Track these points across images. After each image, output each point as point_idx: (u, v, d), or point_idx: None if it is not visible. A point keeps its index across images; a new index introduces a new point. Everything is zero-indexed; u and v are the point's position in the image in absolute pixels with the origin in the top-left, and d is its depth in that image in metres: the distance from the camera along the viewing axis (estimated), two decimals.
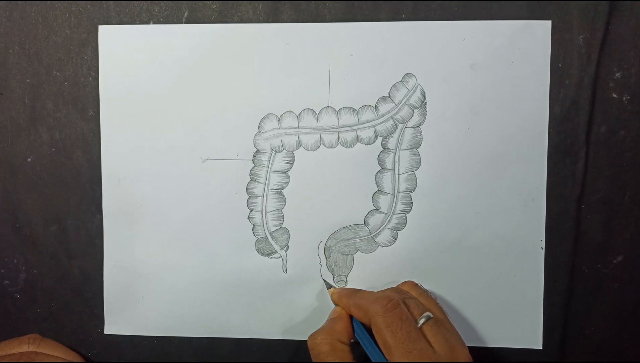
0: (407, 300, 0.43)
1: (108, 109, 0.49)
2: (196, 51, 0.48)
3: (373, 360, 0.42)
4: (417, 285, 0.47)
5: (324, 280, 0.49)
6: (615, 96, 0.47)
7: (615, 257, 0.48)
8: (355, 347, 0.44)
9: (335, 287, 0.49)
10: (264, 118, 0.49)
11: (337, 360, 0.42)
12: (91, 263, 0.50)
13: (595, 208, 0.48)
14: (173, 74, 0.49)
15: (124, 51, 0.49)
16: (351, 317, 0.45)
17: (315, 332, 0.44)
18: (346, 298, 0.46)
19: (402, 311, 0.41)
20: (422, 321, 0.41)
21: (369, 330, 0.43)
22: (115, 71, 0.49)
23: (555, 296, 0.48)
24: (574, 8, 0.47)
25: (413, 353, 0.39)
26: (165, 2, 0.48)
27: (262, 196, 0.49)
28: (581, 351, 0.49)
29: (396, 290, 0.46)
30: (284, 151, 0.49)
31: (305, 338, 0.44)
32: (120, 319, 0.50)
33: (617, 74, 0.47)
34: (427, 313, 0.42)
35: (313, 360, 0.43)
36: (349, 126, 0.48)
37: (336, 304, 0.47)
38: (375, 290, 0.48)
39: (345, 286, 0.49)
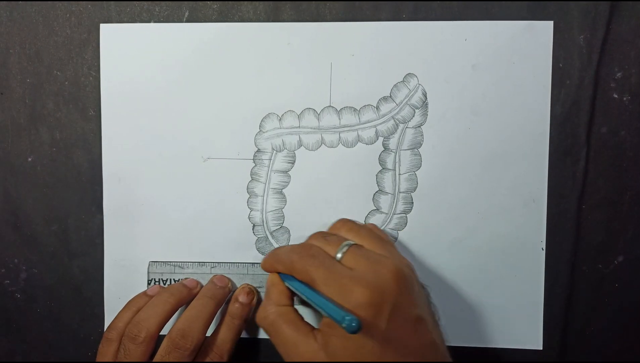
0: (327, 237, 0.43)
1: (109, 107, 0.49)
2: (198, 50, 0.48)
3: (313, 302, 0.40)
4: (347, 221, 0.46)
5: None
6: (616, 96, 0.47)
7: (616, 257, 0.48)
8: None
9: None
10: (265, 118, 0.49)
11: (287, 323, 0.41)
12: (91, 263, 0.50)
13: (596, 208, 0.48)
14: (174, 73, 0.49)
15: (126, 50, 0.49)
16: (284, 279, 0.45)
17: (257, 311, 0.44)
18: (269, 259, 0.46)
19: (315, 250, 0.42)
20: (342, 251, 0.41)
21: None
22: (117, 69, 0.49)
23: (555, 297, 0.48)
24: (574, 8, 0.47)
25: (330, 278, 0.39)
26: (166, 2, 0.48)
27: (263, 196, 0.49)
28: (581, 351, 0.49)
29: (318, 233, 0.45)
30: (285, 150, 0.49)
31: None
32: None
33: (618, 74, 0.47)
34: (347, 242, 0.42)
35: (271, 338, 0.42)
36: (350, 126, 0.48)
37: (265, 269, 0.46)
38: None
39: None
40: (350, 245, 0.41)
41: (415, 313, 0.39)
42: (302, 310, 0.47)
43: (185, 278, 0.50)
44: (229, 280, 0.49)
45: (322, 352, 0.39)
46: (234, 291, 0.49)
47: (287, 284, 0.44)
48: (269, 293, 0.44)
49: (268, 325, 0.42)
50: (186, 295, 0.47)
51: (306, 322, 0.42)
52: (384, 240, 0.44)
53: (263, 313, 0.43)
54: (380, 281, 0.38)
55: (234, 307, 0.48)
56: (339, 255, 0.41)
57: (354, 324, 0.35)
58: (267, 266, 0.46)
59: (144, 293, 0.49)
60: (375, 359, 0.37)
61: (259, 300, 0.50)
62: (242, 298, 0.48)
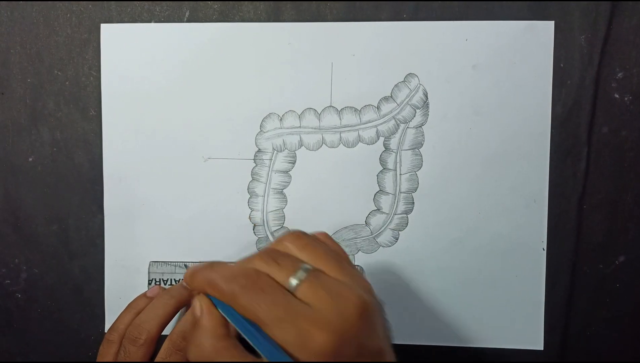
0: (278, 259, 0.35)
1: (110, 107, 0.49)
2: (199, 50, 0.48)
3: (259, 348, 0.33)
4: (299, 236, 0.38)
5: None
6: (617, 96, 0.47)
7: (617, 257, 0.48)
8: None
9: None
10: (265, 118, 0.48)
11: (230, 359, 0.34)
12: (92, 263, 0.50)
13: (597, 208, 0.48)
14: (175, 73, 0.49)
15: (126, 50, 0.49)
16: (217, 305, 0.36)
17: (188, 346, 0.36)
18: (200, 279, 0.36)
19: (264, 281, 0.34)
20: (298, 279, 0.34)
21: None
22: (118, 69, 0.49)
23: (556, 297, 0.48)
24: (575, 8, 0.47)
25: (285, 320, 0.32)
26: (167, 2, 0.48)
27: (264, 196, 0.49)
28: (582, 352, 0.49)
29: (265, 253, 0.36)
30: (286, 150, 0.49)
31: None
32: None
33: (619, 74, 0.47)
34: (302, 267, 0.35)
35: None
36: (351, 126, 0.48)
37: (191, 287, 0.37)
38: (375, 290, 0.48)
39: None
40: (308, 271, 0.34)
41: (376, 346, 0.34)
42: None
43: (167, 280, 0.49)
44: None
45: None
46: None
47: (221, 312, 0.36)
48: (202, 322, 0.35)
49: (199, 358, 0.35)
50: (186, 296, 0.47)
51: (249, 354, 0.34)
52: (341, 257, 0.38)
53: (198, 349, 0.35)
54: (343, 321, 0.33)
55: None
56: (293, 282, 0.34)
57: None
58: (196, 285, 0.37)
59: (144, 294, 0.49)
60: None
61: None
62: None
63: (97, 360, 0.45)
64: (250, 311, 0.33)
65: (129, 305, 0.48)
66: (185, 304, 0.47)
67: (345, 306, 0.33)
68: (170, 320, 0.45)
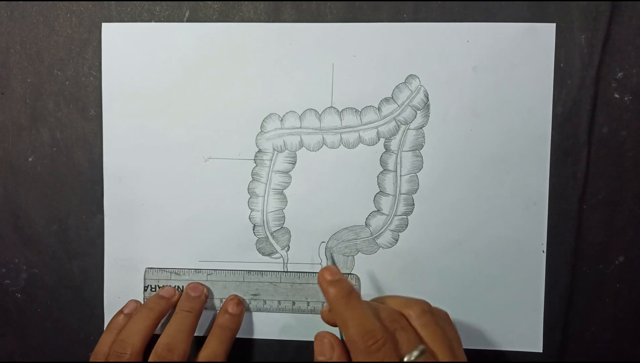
0: (399, 332, 0.39)
1: (110, 107, 0.49)
2: (200, 50, 0.48)
3: None
4: (426, 311, 0.42)
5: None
6: (617, 96, 0.47)
7: (617, 257, 0.48)
8: None
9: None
10: (266, 118, 0.48)
11: None
12: (92, 263, 0.50)
13: (597, 208, 0.48)
14: (176, 73, 0.49)
15: (127, 49, 0.49)
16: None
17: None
18: (336, 314, 0.41)
19: (385, 353, 0.38)
20: (409, 358, 0.38)
21: None
22: (118, 69, 0.49)
23: (556, 298, 0.48)
24: (575, 8, 0.47)
25: None
26: (167, 1, 0.48)
27: (264, 196, 0.49)
28: (581, 353, 0.49)
29: (393, 317, 0.41)
30: (286, 151, 0.49)
31: (306, 339, 0.44)
32: None
33: (619, 74, 0.47)
34: (418, 348, 0.38)
35: None
36: (352, 127, 0.48)
37: (326, 321, 0.44)
38: (375, 292, 0.48)
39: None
40: (422, 353, 0.38)
41: None
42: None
43: (162, 287, 0.49)
44: (203, 286, 0.49)
45: None
46: (223, 300, 0.49)
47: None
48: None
49: None
50: (165, 306, 0.48)
51: None
52: (455, 344, 0.41)
53: None
54: None
55: (223, 318, 0.48)
56: (406, 359, 0.38)
57: None
58: (330, 319, 0.43)
59: (121, 312, 0.49)
60: None
61: (248, 309, 0.50)
62: (232, 309, 0.48)
63: None
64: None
65: (108, 326, 0.48)
66: (164, 314, 0.48)
67: None
68: (153, 332, 0.46)
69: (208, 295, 0.49)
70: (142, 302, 0.49)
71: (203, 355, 0.46)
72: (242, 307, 0.49)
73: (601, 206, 0.48)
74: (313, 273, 0.49)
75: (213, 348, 0.46)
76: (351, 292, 0.41)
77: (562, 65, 0.47)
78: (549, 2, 0.47)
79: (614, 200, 0.48)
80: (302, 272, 0.49)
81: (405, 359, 0.38)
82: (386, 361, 0.37)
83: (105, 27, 0.49)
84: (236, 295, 0.49)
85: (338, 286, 0.41)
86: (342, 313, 0.40)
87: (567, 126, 0.47)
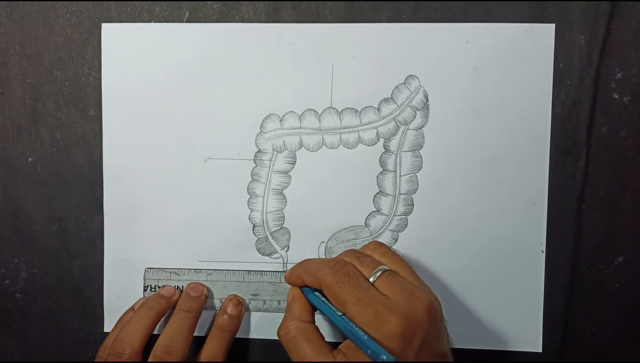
0: (361, 258, 0.42)
1: (110, 107, 0.49)
2: (199, 51, 0.48)
3: (334, 321, 0.40)
4: (381, 244, 0.45)
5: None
6: (616, 96, 0.47)
7: (616, 257, 0.48)
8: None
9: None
10: (266, 118, 0.48)
11: (307, 341, 0.40)
12: (92, 263, 0.50)
13: (596, 208, 0.48)
14: (175, 73, 0.49)
15: (127, 49, 0.49)
16: (306, 294, 0.44)
17: (279, 326, 0.43)
18: (296, 269, 0.45)
19: (349, 268, 0.41)
20: (375, 276, 0.40)
21: (324, 296, 0.43)
22: (118, 69, 0.49)
23: (555, 298, 0.48)
24: (575, 8, 0.47)
25: (363, 301, 0.38)
26: (167, 2, 0.48)
27: (263, 196, 0.49)
28: (581, 352, 0.49)
29: (351, 251, 0.44)
30: (286, 151, 0.49)
31: None
32: None
33: (618, 75, 0.47)
34: (381, 267, 0.41)
35: (289, 354, 0.41)
36: (351, 127, 0.48)
37: (288, 282, 0.46)
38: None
39: None
40: (385, 270, 0.41)
41: (440, 348, 0.39)
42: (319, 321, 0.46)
43: (163, 286, 0.50)
44: (203, 286, 0.49)
45: None
46: (223, 300, 0.49)
47: (309, 299, 0.43)
48: (291, 308, 0.43)
49: (288, 340, 0.41)
50: (165, 305, 0.48)
51: (326, 341, 0.41)
52: (414, 271, 0.43)
53: (284, 329, 0.42)
54: (414, 313, 0.38)
55: (222, 320, 0.48)
56: (372, 279, 0.40)
57: (384, 357, 0.34)
58: (292, 277, 0.45)
59: (132, 308, 0.49)
60: None
61: (254, 309, 0.50)
62: (231, 310, 0.48)
63: None
64: (335, 291, 0.40)
65: (119, 320, 0.49)
66: (164, 314, 0.48)
67: (415, 302, 0.39)
68: (152, 331, 0.46)
69: (208, 295, 0.49)
70: None
71: (202, 356, 0.46)
72: (241, 308, 0.49)
73: (600, 206, 0.48)
74: None
75: (212, 349, 0.46)
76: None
77: (561, 65, 0.47)
78: (548, 2, 0.47)
79: (614, 200, 0.48)
80: None
81: (371, 279, 0.40)
82: (352, 276, 0.40)
83: (105, 27, 0.49)
84: (235, 296, 0.49)
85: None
86: (304, 264, 0.45)
87: (566, 126, 0.47)
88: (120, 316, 0.49)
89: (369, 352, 0.35)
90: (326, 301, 0.41)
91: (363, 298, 0.38)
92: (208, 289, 0.49)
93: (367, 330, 0.37)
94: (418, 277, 0.42)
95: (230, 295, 0.49)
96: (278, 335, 0.42)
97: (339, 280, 0.40)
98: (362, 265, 0.41)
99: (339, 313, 0.39)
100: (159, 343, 0.44)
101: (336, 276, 0.40)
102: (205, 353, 0.46)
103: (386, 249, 0.44)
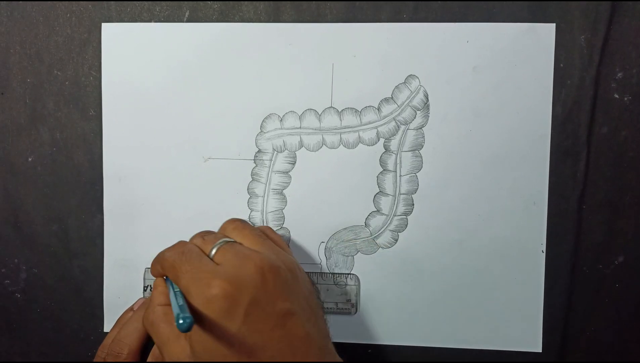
0: (205, 236, 0.43)
1: (110, 107, 0.49)
2: (200, 50, 0.48)
3: (171, 300, 0.39)
4: (234, 220, 0.45)
5: None
6: (617, 96, 0.47)
7: (617, 257, 0.48)
8: None
9: None
10: (266, 118, 0.48)
11: (164, 323, 0.40)
12: (92, 263, 0.50)
13: (597, 208, 0.48)
14: (176, 73, 0.49)
15: (127, 49, 0.49)
16: (167, 281, 0.43)
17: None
18: (153, 262, 0.44)
19: (187, 247, 0.41)
20: (214, 250, 0.40)
21: None
22: (118, 69, 0.49)
23: (555, 298, 0.48)
24: (575, 8, 0.47)
25: (191, 272, 0.38)
26: (167, 1, 0.48)
27: (263, 196, 0.49)
28: (581, 353, 0.49)
29: (199, 232, 0.44)
30: (286, 151, 0.49)
31: None
32: None
33: (619, 75, 0.47)
34: (221, 240, 0.41)
35: (153, 339, 0.41)
36: (351, 127, 0.48)
37: (152, 274, 0.45)
38: (375, 292, 0.48)
39: None
40: (225, 242, 0.41)
41: (283, 307, 0.38)
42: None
43: None
44: None
45: (189, 350, 0.38)
46: None
47: (168, 285, 0.42)
48: (152, 295, 0.43)
49: (149, 326, 0.41)
50: None
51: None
52: (266, 238, 0.43)
53: (145, 316, 0.42)
54: (241, 275, 0.38)
55: None
56: (212, 252, 0.40)
57: (180, 321, 0.34)
58: (152, 269, 0.45)
59: (131, 308, 0.49)
60: (234, 355, 0.36)
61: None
62: None
63: None
64: (171, 271, 0.40)
65: (118, 320, 0.48)
66: None
67: (246, 264, 0.38)
68: None
69: None
70: None
71: None
72: None
73: (601, 206, 0.48)
74: (313, 273, 0.49)
75: None
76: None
77: (561, 65, 0.47)
78: (549, 2, 0.47)
79: (614, 200, 0.48)
80: None
81: (213, 252, 0.40)
82: (187, 256, 0.40)
83: (105, 27, 0.49)
84: None
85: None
86: (156, 257, 0.43)
87: (566, 126, 0.47)
88: (119, 315, 0.49)
89: (175, 316, 0.35)
90: (169, 283, 0.42)
91: (191, 269, 0.39)
92: None
93: (191, 299, 0.37)
94: (269, 244, 0.42)
95: None
96: (142, 323, 0.42)
97: (175, 260, 0.40)
98: (204, 242, 0.42)
99: (176, 290, 0.39)
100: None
101: (172, 256, 0.41)
102: None
103: (238, 223, 0.45)
